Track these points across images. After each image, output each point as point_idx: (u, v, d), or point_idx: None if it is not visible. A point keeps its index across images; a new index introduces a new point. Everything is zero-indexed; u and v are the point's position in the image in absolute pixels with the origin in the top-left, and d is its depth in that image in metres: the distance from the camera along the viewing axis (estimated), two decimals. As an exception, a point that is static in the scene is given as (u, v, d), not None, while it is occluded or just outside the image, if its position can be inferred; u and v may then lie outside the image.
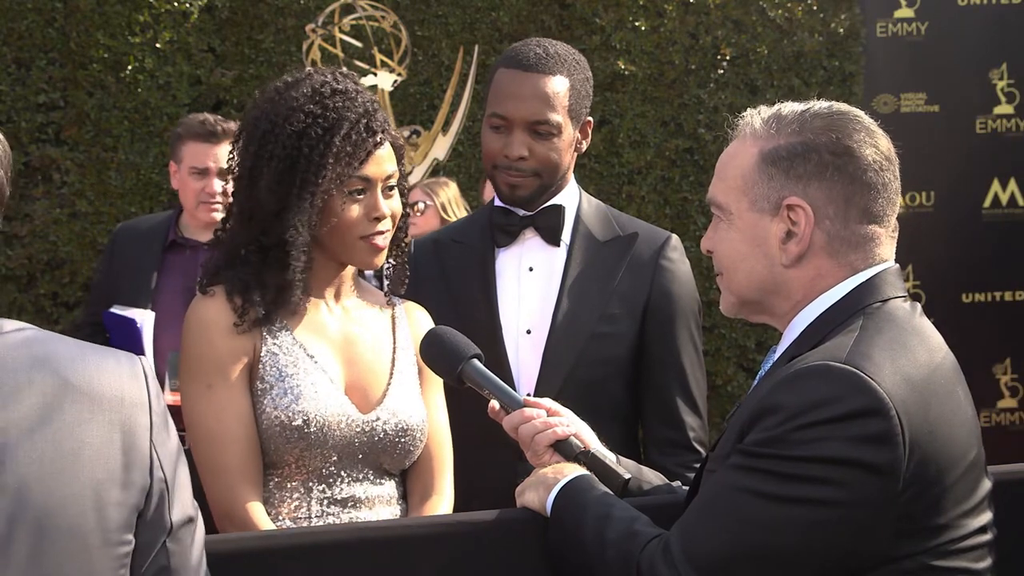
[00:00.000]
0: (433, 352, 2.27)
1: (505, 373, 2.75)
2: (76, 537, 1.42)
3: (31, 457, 1.41)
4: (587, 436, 2.17)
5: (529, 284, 2.82)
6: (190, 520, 1.54)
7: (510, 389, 2.20)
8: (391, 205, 2.42)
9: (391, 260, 2.54)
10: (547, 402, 2.19)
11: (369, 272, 3.73)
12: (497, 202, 2.88)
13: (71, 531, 1.42)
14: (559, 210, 2.84)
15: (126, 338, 3.92)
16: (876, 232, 1.90)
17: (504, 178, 2.78)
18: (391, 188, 2.43)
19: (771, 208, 1.90)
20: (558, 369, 2.76)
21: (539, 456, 2.13)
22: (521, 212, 2.84)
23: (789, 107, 1.96)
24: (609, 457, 2.14)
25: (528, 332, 2.80)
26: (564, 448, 2.12)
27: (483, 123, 2.82)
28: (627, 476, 2.09)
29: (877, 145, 1.90)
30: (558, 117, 2.75)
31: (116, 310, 4.02)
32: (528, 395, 2.74)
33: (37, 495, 1.40)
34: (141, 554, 1.48)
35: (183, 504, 1.53)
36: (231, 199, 2.45)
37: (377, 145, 2.38)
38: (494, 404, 2.18)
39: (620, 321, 2.79)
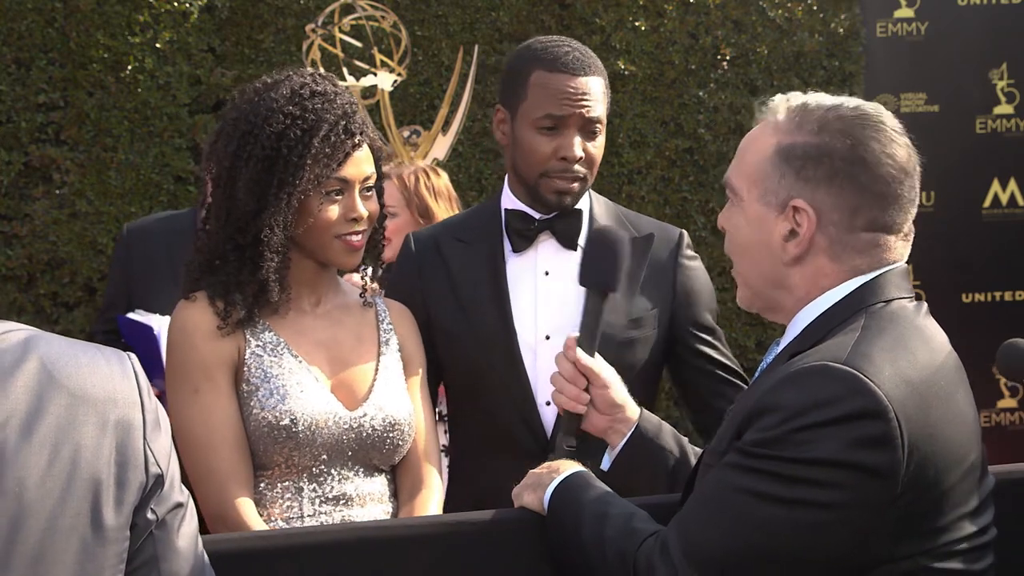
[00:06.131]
0: (606, 252, 2.40)
1: (523, 380, 2.72)
2: (76, 537, 1.43)
3: (29, 459, 1.42)
4: (621, 397, 2.31)
5: (546, 289, 2.77)
6: (178, 505, 1.55)
7: (594, 339, 2.33)
8: (368, 206, 2.44)
9: (367, 264, 2.56)
10: (604, 372, 2.31)
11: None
12: (511, 204, 2.82)
13: (71, 532, 1.43)
14: (578, 214, 2.80)
15: (141, 345, 3.61)
16: (885, 239, 1.88)
17: (556, 184, 2.73)
18: (369, 189, 2.45)
19: (778, 205, 1.89)
20: None
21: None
22: (538, 215, 2.79)
23: (816, 101, 1.91)
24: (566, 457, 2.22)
25: (547, 338, 2.74)
26: (565, 419, 2.31)
27: (522, 128, 2.74)
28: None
29: (894, 155, 1.86)
30: (605, 115, 2.76)
31: (133, 316, 3.79)
32: (547, 402, 2.70)
33: (36, 497, 1.41)
34: (131, 545, 1.50)
35: (172, 493, 1.55)
36: (210, 199, 2.45)
37: (355, 147, 2.41)
38: (573, 338, 2.33)
39: (646, 325, 2.78)
